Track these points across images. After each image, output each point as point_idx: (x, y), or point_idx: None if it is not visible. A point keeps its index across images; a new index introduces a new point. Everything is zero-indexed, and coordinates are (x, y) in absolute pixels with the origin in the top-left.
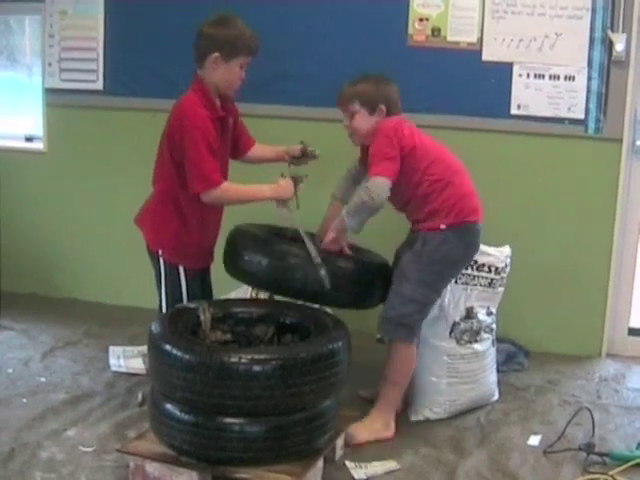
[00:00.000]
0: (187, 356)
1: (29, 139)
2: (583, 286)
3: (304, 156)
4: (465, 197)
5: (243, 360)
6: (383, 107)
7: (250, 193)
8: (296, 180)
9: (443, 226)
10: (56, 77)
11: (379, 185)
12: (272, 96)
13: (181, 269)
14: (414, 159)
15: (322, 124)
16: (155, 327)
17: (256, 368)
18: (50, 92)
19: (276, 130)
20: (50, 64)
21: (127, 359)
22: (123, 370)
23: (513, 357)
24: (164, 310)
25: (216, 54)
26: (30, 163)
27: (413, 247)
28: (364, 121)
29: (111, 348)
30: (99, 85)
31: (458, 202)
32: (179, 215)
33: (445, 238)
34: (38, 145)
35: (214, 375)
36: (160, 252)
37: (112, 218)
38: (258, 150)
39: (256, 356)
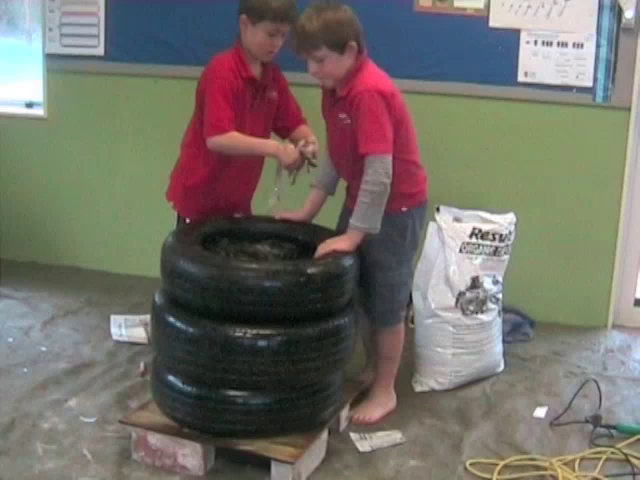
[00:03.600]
0: (191, 329)
1: (29, 105)
2: (590, 256)
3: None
4: (425, 180)
5: (248, 335)
6: (354, 44)
7: (253, 143)
8: (302, 154)
9: (405, 208)
10: (57, 42)
11: (382, 165)
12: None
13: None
14: (395, 134)
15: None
16: (158, 298)
17: (261, 343)
18: (51, 57)
19: None
20: (51, 29)
21: (129, 328)
22: (125, 339)
23: (519, 327)
24: None
25: (243, 16)
26: (31, 129)
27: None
28: (336, 65)
29: (112, 317)
30: (100, 50)
31: (422, 185)
32: (199, 169)
33: (409, 218)
34: (39, 111)
35: (218, 349)
36: (172, 204)
37: (114, 185)
38: (302, 133)
39: (261, 331)
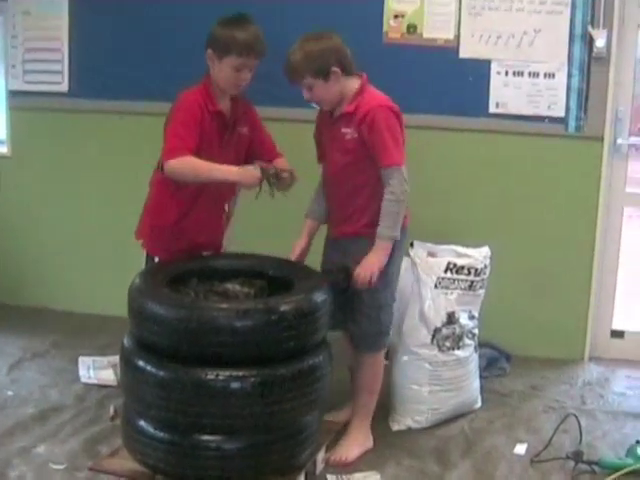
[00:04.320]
0: (161, 373)
1: None
2: (565, 288)
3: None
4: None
5: (220, 377)
6: (337, 69)
7: (212, 168)
8: (264, 172)
9: None
10: (20, 79)
11: (403, 176)
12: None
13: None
14: None
15: (299, 125)
16: (127, 341)
17: (234, 385)
18: (14, 94)
19: None
20: (14, 66)
21: (97, 370)
22: (94, 382)
23: (495, 362)
24: None
25: (209, 51)
26: None
27: (360, 255)
28: (324, 91)
29: (81, 359)
30: (64, 87)
31: (407, 210)
32: (168, 207)
33: (395, 244)
34: (2, 149)
35: (190, 393)
36: (141, 242)
37: (81, 224)
38: (279, 165)
39: (234, 373)
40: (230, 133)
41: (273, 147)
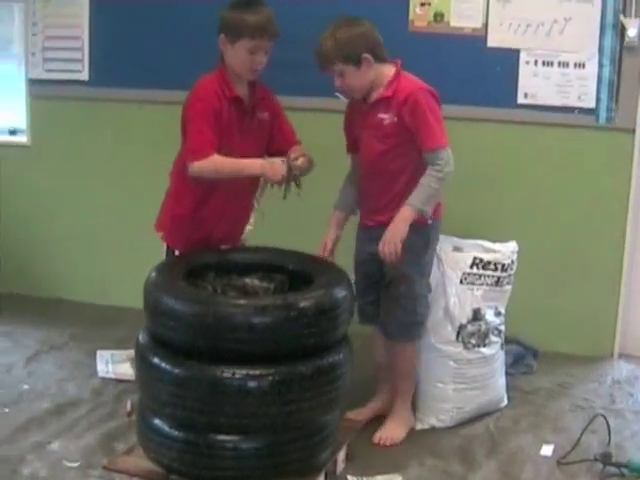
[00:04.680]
0: (176, 370)
1: (13, 132)
2: (594, 283)
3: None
4: None
5: (237, 375)
6: (368, 56)
7: (236, 164)
8: (290, 168)
9: (430, 221)
10: (40, 67)
11: (449, 156)
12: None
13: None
14: None
15: (321, 115)
16: (142, 336)
17: (251, 384)
18: (34, 83)
19: None
20: (34, 54)
21: (115, 364)
22: (111, 376)
23: (521, 359)
24: None
25: (222, 36)
26: (14, 157)
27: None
28: (356, 78)
29: (99, 352)
30: (84, 75)
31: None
32: (187, 195)
33: (432, 230)
34: (22, 138)
35: (206, 391)
36: (161, 235)
37: (99, 214)
38: (295, 152)
39: (251, 371)
40: (250, 119)
41: (292, 135)
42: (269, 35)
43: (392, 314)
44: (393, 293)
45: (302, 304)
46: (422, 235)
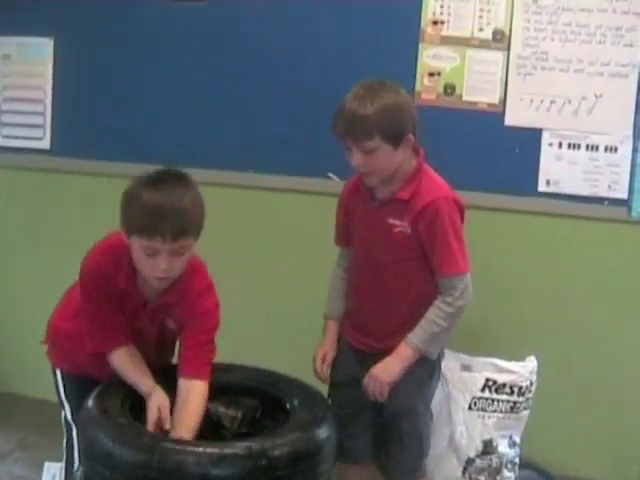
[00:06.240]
0: None
1: None
2: (621, 402)
3: None
4: None
5: None
6: (411, 137)
7: (130, 373)
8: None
9: None
10: None
11: (467, 286)
12: (255, 162)
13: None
14: None
15: (314, 197)
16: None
17: None
18: None
19: (253, 202)
20: None
21: None
22: None
23: None
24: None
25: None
26: None
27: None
28: (387, 160)
29: (46, 465)
30: (46, 144)
31: None
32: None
33: (437, 359)
34: None
35: None
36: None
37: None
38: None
39: None
40: (150, 319)
41: (195, 360)
42: (162, 237)
43: (396, 458)
44: (395, 432)
45: (273, 452)
46: (426, 365)
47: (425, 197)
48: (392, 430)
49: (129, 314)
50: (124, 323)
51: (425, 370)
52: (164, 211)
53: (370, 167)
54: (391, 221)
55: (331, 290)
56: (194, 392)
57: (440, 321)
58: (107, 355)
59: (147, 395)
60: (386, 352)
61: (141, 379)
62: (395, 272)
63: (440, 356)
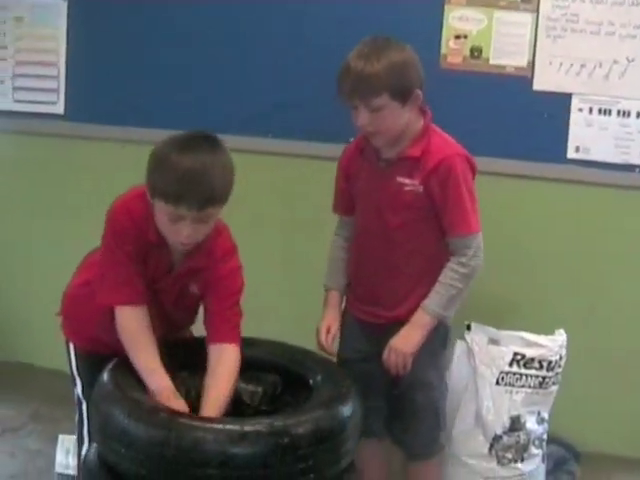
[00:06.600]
0: None
1: None
2: None
3: None
4: None
5: None
6: (420, 93)
7: (140, 364)
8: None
9: None
10: (9, 97)
11: (480, 246)
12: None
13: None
14: None
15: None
16: (90, 457)
17: None
18: (1, 115)
19: (272, 168)
20: (2, 81)
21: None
22: (70, 472)
23: (562, 463)
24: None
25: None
26: None
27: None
28: (394, 118)
29: (60, 438)
30: (59, 108)
31: None
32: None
33: (449, 326)
34: None
35: None
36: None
37: (71, 268)
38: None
39: None
40: (173, 280)
41: (227, 325)
42: (188, 205)
43: (412, 431)
44: (409, 405)
45: (296, 430)
46: (439, 332)
47: (437, 154)
48: (406, 403)
49: (149, 279)
50: (143, 285)
51: (439, 338)
52: (192, 179)
53: (377, 126)
54: (400, 180)
55: (331, 260)
56: (226, 356)
57: (456, 283)
58: (116, 311)
59: (155, 388)
60: (396, 322)
61: (151, 371)
62: (405, 234)
63: (451, 328)
